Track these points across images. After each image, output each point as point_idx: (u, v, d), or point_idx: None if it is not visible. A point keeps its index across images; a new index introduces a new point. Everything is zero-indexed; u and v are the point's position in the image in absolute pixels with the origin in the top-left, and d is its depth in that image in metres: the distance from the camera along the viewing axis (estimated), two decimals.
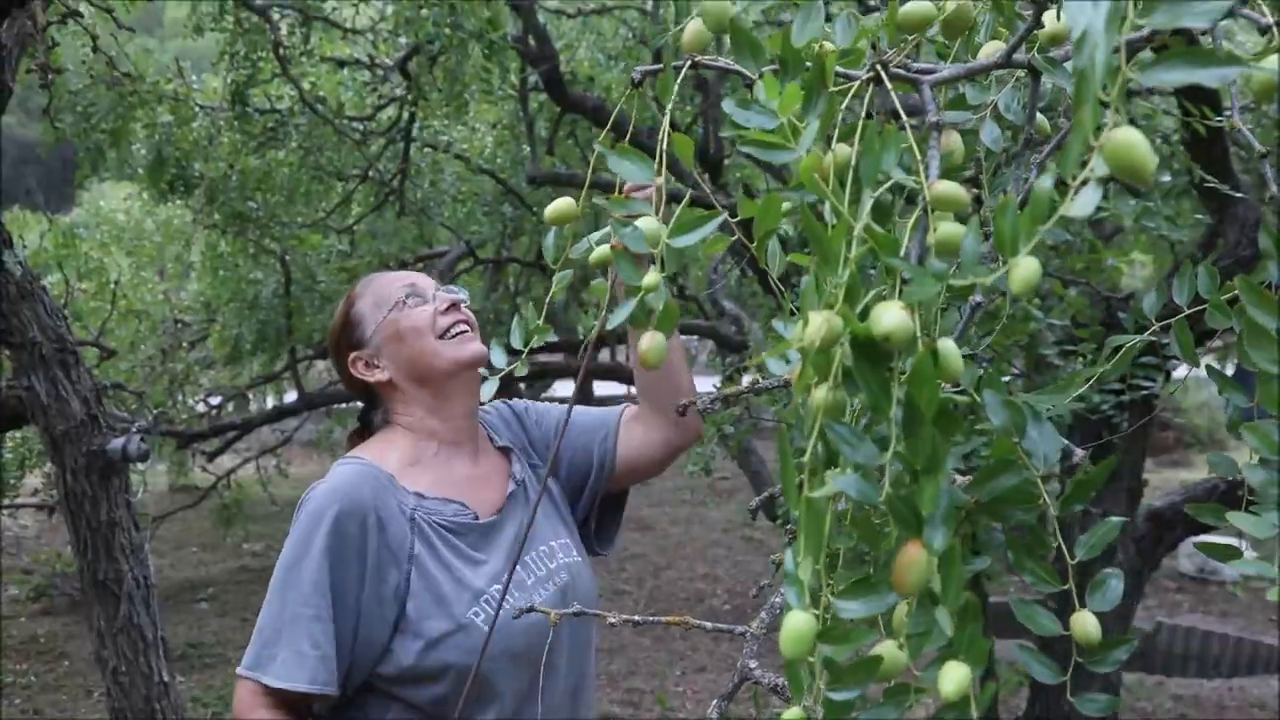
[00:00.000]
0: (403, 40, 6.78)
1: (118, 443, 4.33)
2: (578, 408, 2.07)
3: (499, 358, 1.24)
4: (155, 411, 5.92)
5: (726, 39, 1.03)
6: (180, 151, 6.69)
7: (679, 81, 0.99)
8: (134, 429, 4.41)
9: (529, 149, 8.17)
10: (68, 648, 8.00)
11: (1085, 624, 0.87)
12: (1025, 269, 0.64)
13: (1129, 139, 0.58)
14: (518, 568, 1.78)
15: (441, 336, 1.83)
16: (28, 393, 4.31)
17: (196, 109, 6.77)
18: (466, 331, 1.85)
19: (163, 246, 8.81)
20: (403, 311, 1.84)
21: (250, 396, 9.92)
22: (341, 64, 7.07)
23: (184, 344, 8.41)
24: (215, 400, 9.07)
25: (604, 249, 1.06)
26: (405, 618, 1.69)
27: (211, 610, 8.79)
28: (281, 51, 5.80)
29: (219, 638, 7.96)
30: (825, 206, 0.83)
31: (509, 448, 1.96)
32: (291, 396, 9.84)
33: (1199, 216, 3.83)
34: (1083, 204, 0.63)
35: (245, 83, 6.15)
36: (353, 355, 1.87)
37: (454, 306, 1.86)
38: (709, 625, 1.78)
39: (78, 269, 7.27)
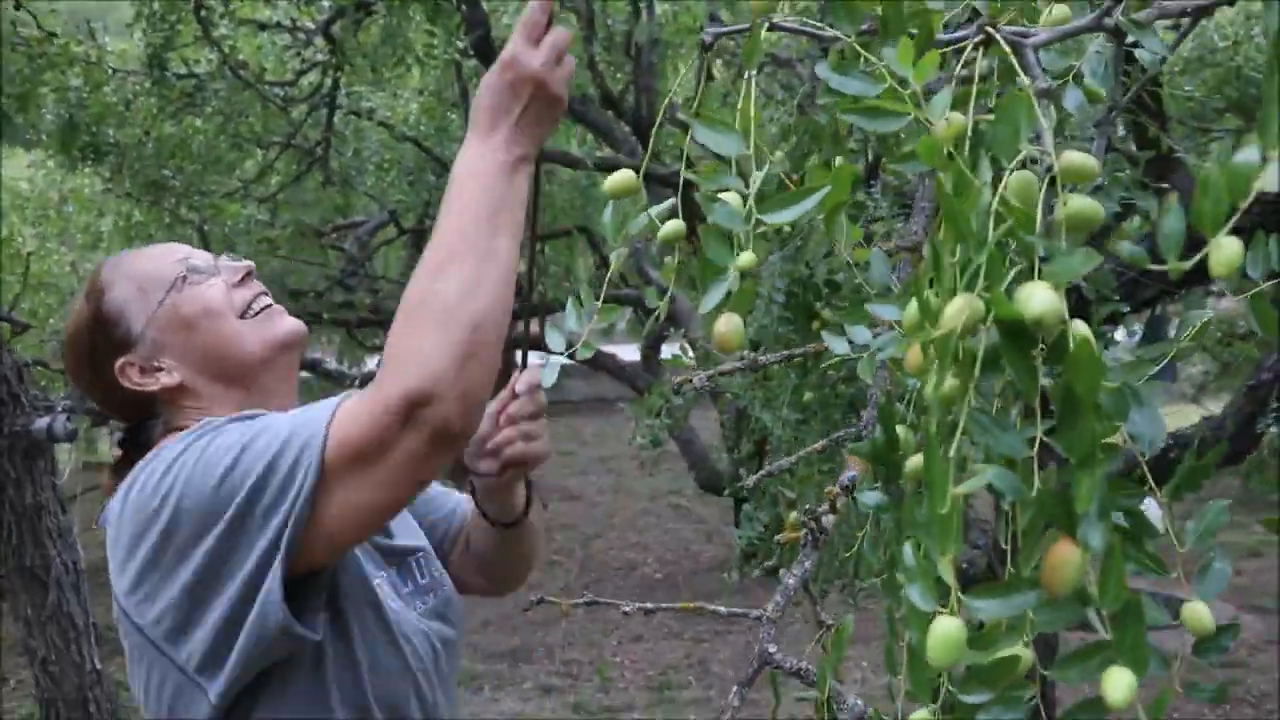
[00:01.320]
0: (326, 3, 6.63)
1: (42, 422, 4.18)
2: None
3: (557, 340, 1.19)
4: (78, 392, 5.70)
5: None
6: (92, 117, 6.45)
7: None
8: (59, 407, 4.26)
9: (455, 117, 8.07)
10: None
11: (1199, 613, 0.84)
12: (1228, 249, 0.60)
13: None
14: (410, 566, 1.56)
15: (244, 315, 1.44)
16: None
17: (110, 72, 6.52)
18: (271, 304, 1.48)
19: (73, 216, 8.51)
20: (184, 292, 1.43)
21: None
22: (262, 27, 6.87)
23: None
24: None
25: (677, 224, 1.01)
26: None
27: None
28: (203, 13, 5.60)
29: None
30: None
31: None
32: None
33: None
34: (1271, 178, 0.60)
35: (162, 46, 5.95)
36: (120, 362, 1.40)
37: (249, 275, 1.48)
38: (724, 610, 1.75)
39: None
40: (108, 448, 9.66)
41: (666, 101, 5.72)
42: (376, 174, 8.37)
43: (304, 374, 11.87)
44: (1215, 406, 6.27)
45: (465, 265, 1.18)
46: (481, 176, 1.22)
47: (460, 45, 5.38)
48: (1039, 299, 0.68)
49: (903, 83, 0.82)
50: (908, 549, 0.77)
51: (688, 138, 0.99)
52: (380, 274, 9.98)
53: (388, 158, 8.34)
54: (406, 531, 1.57)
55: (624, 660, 6.86)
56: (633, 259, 8.75)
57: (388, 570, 1.47)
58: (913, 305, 0.81)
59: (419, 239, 10.03)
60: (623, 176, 1.10)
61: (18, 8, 5.25)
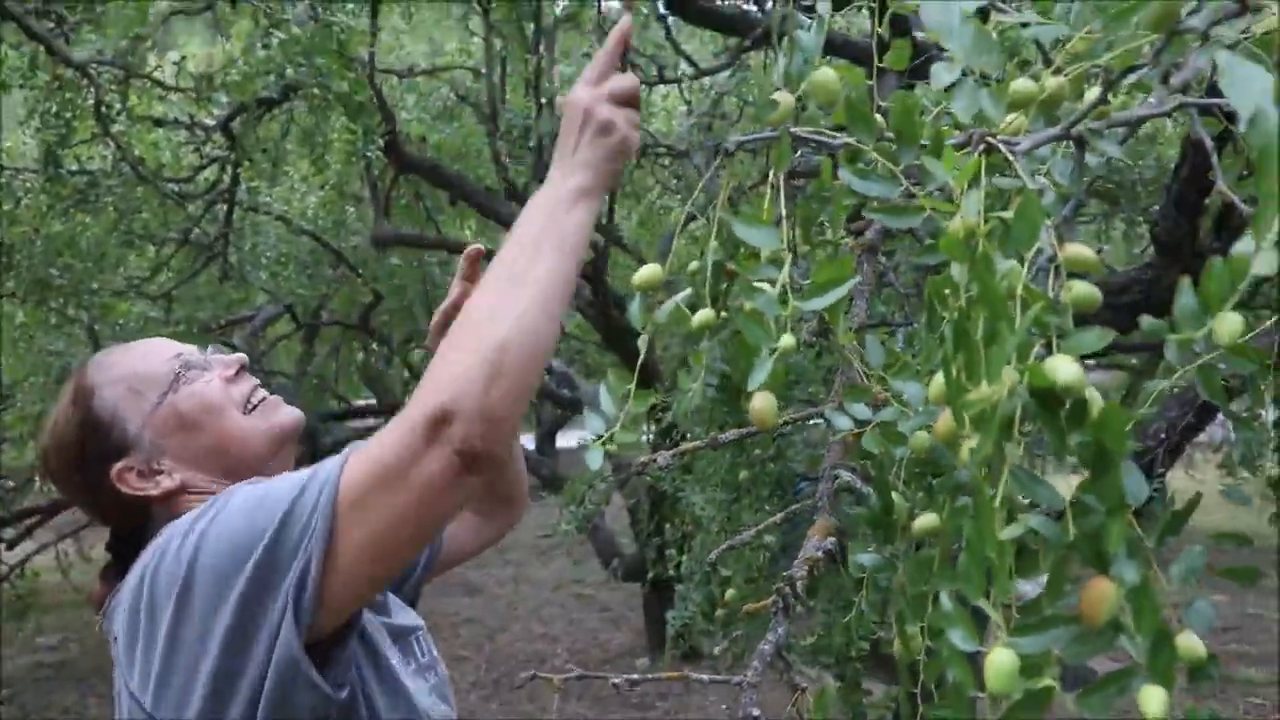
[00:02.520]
0: (225, 100, 6.67)
1: None
2: None
3: (597, 424, 1.24)
4: None
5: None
6: None
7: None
8: None
9: (353, 210, 8.15)
10: None
11: (1192, 644, 0.93)
12: (1231, 322, 0.73)
13: None
14: (411, 645, 1.54)
15: (246, 410, 1.43)
16: None
17: None
18: (268, 395, 1.47)
19: None
20: (180, 391, 1.40)
21: (39, 480, 9.40)
22: (159, 123, 6.87)
23: None
24: (7, 482, 8.55)
25: (708, 314, 1.11)
26: None
27: (7, 714, 8.24)
28: (103, 110, 5.61)
29: None
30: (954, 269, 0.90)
31: None
32: None
33: None
34: (1265, 263, 0.72)
35: (57, 143, 5.92)
36: (117, 468, 1.36)
37: (243, 369, 1.47)
38: (706, 678, 1.83)
39: None
40: None
41: None
42: (273, 268, 8.38)
43: None
44: None
45: (500, 289, 1.18)
46: (536, 206, 1.24)
47: (379, 142, 5.47)
48: (1065, 370, 0.79)
49: (919, 185, 0.94)
50: (944, 597, 0.86)
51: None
52: (276, 369, 9.88)
53: (284, 251, 8.36)
54: (401, 610, 1.56)
55: None
56: None
57: (395, 647, 1.45)
58: (939, 379, 0.91)
59: (313, 333, 10.04)
60: (650, 271, 1.19)
61: None
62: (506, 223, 7.08)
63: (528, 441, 10.87)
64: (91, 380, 1.41)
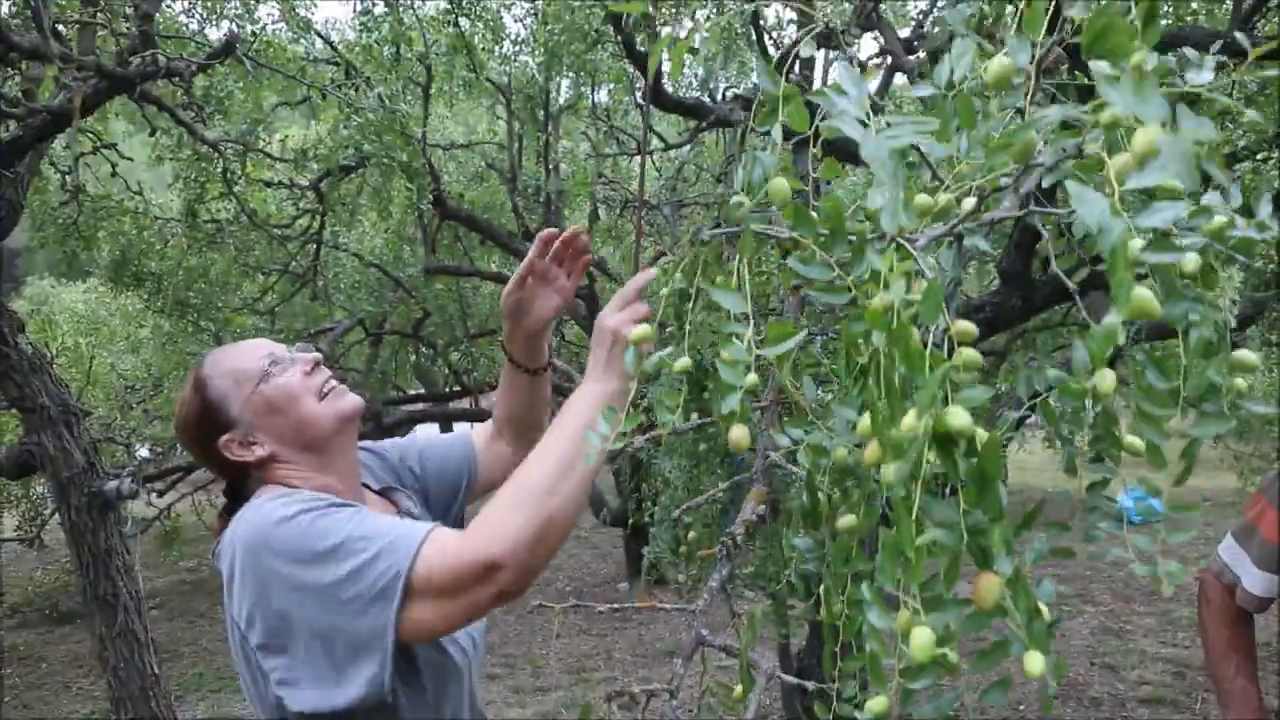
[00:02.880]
0: (314, 166, 6.61)
1: (112, 484, 4.05)
2: (432, 435, 1.78)
3: (594, 439, 1.24)
4: (138, 459, 5.50)
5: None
6: (138, 253, 6.30)
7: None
8: (125, 473, 4.12)
9: (409, 248, 8.10)
10: (44, 653, 7.30)
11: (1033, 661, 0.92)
12: (1108, 379, 0.73)
13: (1144, 294, 0.70)
14: None
15: (321, 397, 1.39)
16: (38, 447, 4.01)
17: (153, 220, 6.40)
18: (336, 385, 1.42)
19: (118, 330, 8.23)
20: (270, 382, 1.37)
21: (180, 446, 9.32)
22: (268, 184, 6.81)
23: (134, 404, 7.85)
24: (158, 450, 8.48)
25: (686, 361, 1.10)
26: None
27: (161, 615, 8.18)
28: (228, 175, 5.55)
29: (170, 636, 7.44)
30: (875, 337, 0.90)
31: (391, 487, 1.55)
32: None
33: None
34: (1120, 335, 0.73)
35: (195, 200, 5.87)
36: (224, 439, 1.35)
37: (318, 364, 1.42)
38: (669, 606, 1.83)
39: (53, 348, 6.71)
40: (140, 505, 9.24)
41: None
42: (349, 291, 8.34)
43: None
44: None
45: (556, 469, 1.15)
46: (578, 402, 1.21)
47: (429, 197, 5.44)
48: (959, 418, 0.80)
49: (846, 271, 0.94)
50: (864, 587, 0.86)
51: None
52: (350, 367, 9.84)
53: (357, 280, 8.33)
54: None
55: (549, 653, 6.80)
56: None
57: None
58: (866, 417, 0.91)
59: (378, 340, 9.98)
60: (643, 330, 1.16)
61: (113, 174, 5.12)
62: (521, 256, 7.08)
63: None
64: (206, 373, 1.39)
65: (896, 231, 0.89)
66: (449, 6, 5.64)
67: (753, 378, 0.96)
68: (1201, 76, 0.87)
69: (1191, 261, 0.78)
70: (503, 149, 7.58)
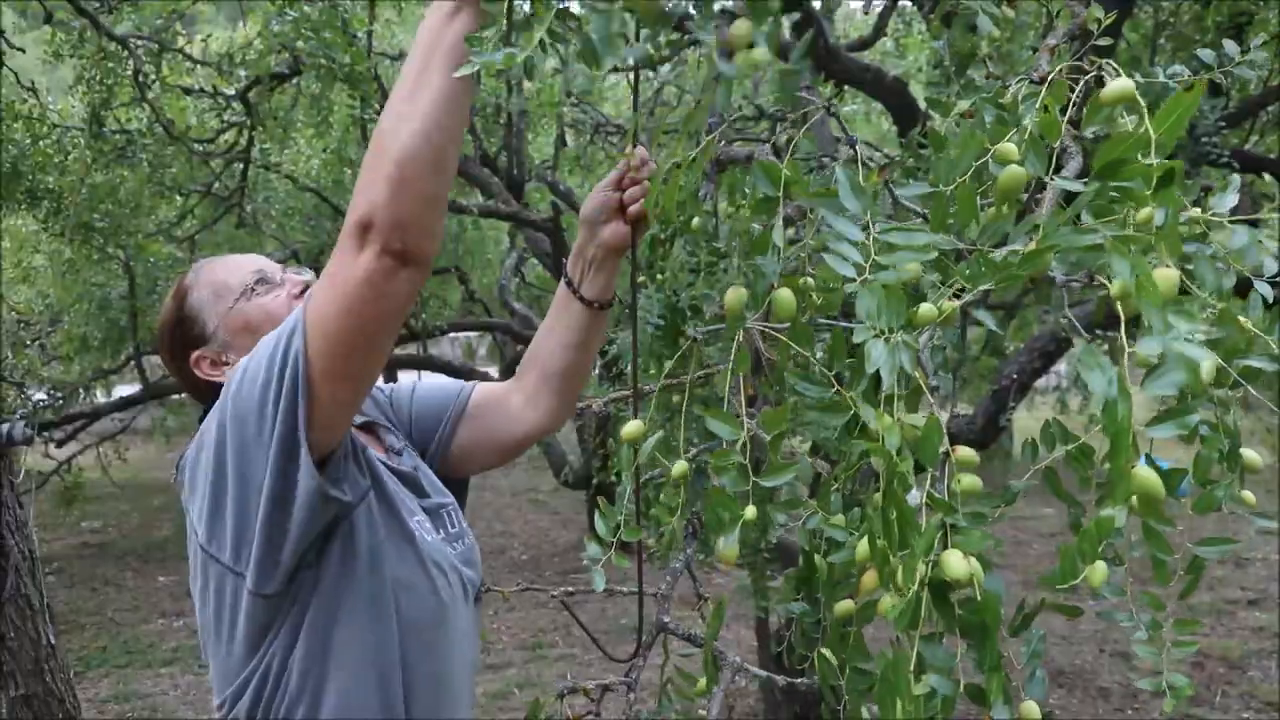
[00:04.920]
0: (243, 73, 6.45)
1: (3, 428, 3.94)
2: (437, 379, 1.76)
3: (594, 550, 1.24)
4: (33, 402, 5.39)
5: None
6: (33, 166, 6.11)
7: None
8: (17, 416, 4.02)
9: (349, 171, 7.95)
10: None
11: (1030, 711, 0.92)
12: (1100, 570, 0.75)
13: (1145, 477, 0.72)
14: (443, 517, 1.48)
15: None
16: None
17: (51, 128, 6.20)
18: None
19: (8, 255, 8.03)
20: (251, 300, 1.40)
21: (84, 390, 9.17)
22: (187, 91, 6.64)
23: (29, 341, 7.69)
24: (57, 394, 8.33)
25: (683, 465, 1.15)
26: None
27: (60, 582, 8.10)
28: (140, 78, 5.38)
29: (70, 606, 7.37)
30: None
31: (373, 421, 1.54)
32: (121, 389, 9.16)
33: None
34: (1120, 518, 0.71)
35: (101, 106, 5.69)
36: (195, 355, 1.40)
37: (308, 288, 1.39)
38: (625, 589, 1.80)
39: None
40: (36, 457, 9.11)
41: (534, 162, 5.79)
42: (281, 219, 8.21)
43: None
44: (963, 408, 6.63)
45: (398, 109, 1.09)
46: (422, 31, 1.13)
47: (375, 108, 5.32)
48: (957, 565, 0.79)
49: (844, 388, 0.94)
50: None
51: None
52: None
53: (291, 205, 8.19)
54: (437, 490, 1.50)
55: (501, 627, 6.82)
56: (498, 292, 8.75)
57: (424, 515, 1.42)
58: (864, 542, 0.91)
59: (316, 273, 9.81)
60: (635, 427, 1.22)
61: None
62: (480, 184, 6.98)
63: (492, 371, 10.77)
64: (190, 281, 1.45)
65: (892, 387, 0.85)
66: None
67: (751, 511, 1.01)
68: (1224, 202, 0.86)
69: (1208, 371, 0.75)
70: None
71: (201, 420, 1.35)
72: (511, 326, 8.48)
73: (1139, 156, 0.70)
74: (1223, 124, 4.01)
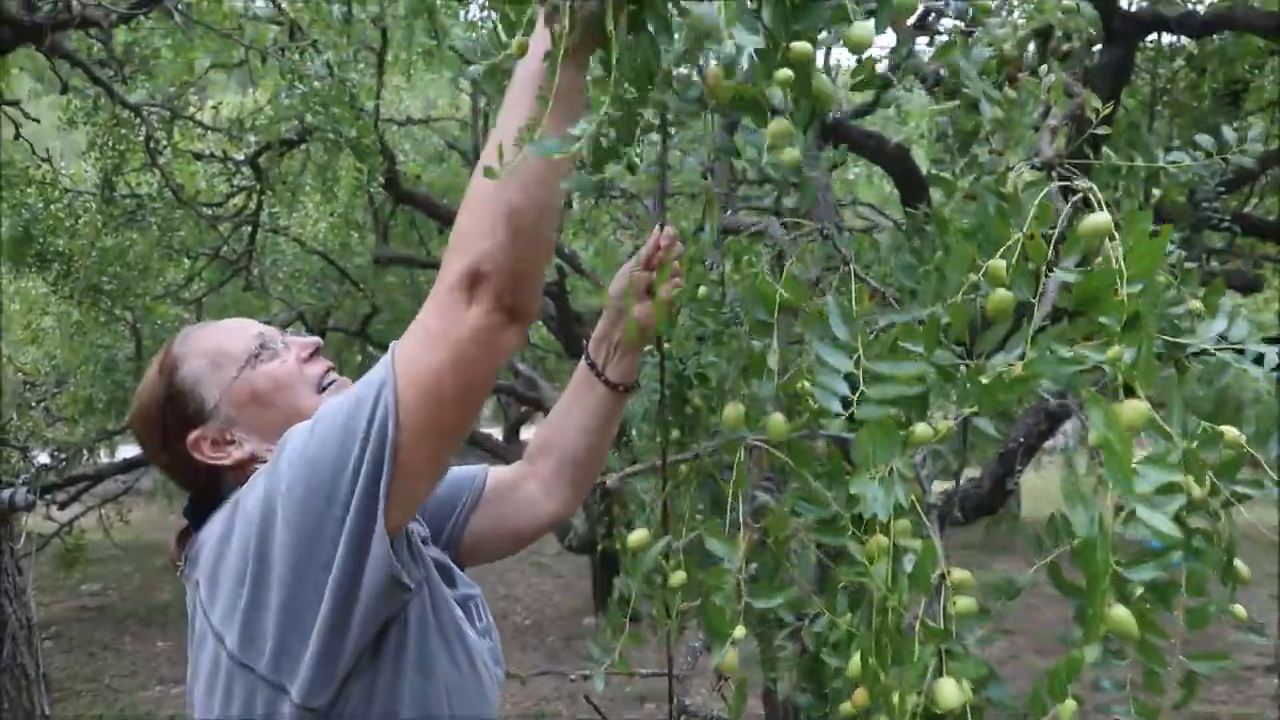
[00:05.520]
0: (253, 139, 6.56)
1: (6, 494, 3.94)
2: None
3: (599, 682, 1.28)
4: (36, 466, 5.39)
5: None
6: (45, 230, 6.20)
7: None
8: (20, 480, 4.03)
9: (356, 235, 8.06)
10: None
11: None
12: (1069, 707, 0.76)
13: (1121, 614, 0.73)
14: (470, 609, 1.34)
15: (320, 390, 1.28)
16: None
17: (63, 192, 6.31)
18: (338, 378, 1.31)
19: (17, 317, 8.12)
20: (256, 368, 1.26)
21: (87, 452, 9.18)
22: (198, 157, 6.74)
23: (34, 403, 7.72)
24: (60, 456, 8.34)
25: (680, 575, 1.20)
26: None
27: (57, 647, 8.02)
28: (151, 144, 5.48)
29: (67, 672, 7.30)
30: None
31: None
32: (125, 449, 9.18)
33: None
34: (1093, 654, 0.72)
35: (113, 171, 5.79)
36: (193, 435, 1.23)
37: (317, 351, 1.32)
38: (645, 672, 1.80)
39: None
40: (36, 519, 9.08)
41: None
42: (288, 281, 8.27)
43: None
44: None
45: (505, 152, 0.96)
46: (521, 69, 1.07)
47: (380, 179, 5.40)
48: (949, 693, 0.80)
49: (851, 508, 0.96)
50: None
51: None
52: None
53: (298, 268, 8.26)
54: (464, 581, 1.37)
55: (504, 696, 6.70)
56: None
57: (460, 612, 1.29)
58: (856, 659, 0.91)
59: (321, 337, 9.86)
60: (640, 536, 1.27)
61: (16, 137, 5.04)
62: None
63: (495, 433, 10.77)
64: (179, 352, 1.27)
65: (887, 519, 0.87)
66: None
67: (740, 630, 1.04)
68: (1213, 328, 0.87)
69: (1199, 492, 0.77)
70: (465, 126, 7.54)
71: (197, 507, 1.25)
72: (516, 388, 8.49)
73: (1113, 293, 0.71)
74: (1222, 189, 4.04)
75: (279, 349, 1.29)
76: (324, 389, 1.29)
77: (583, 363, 1.48)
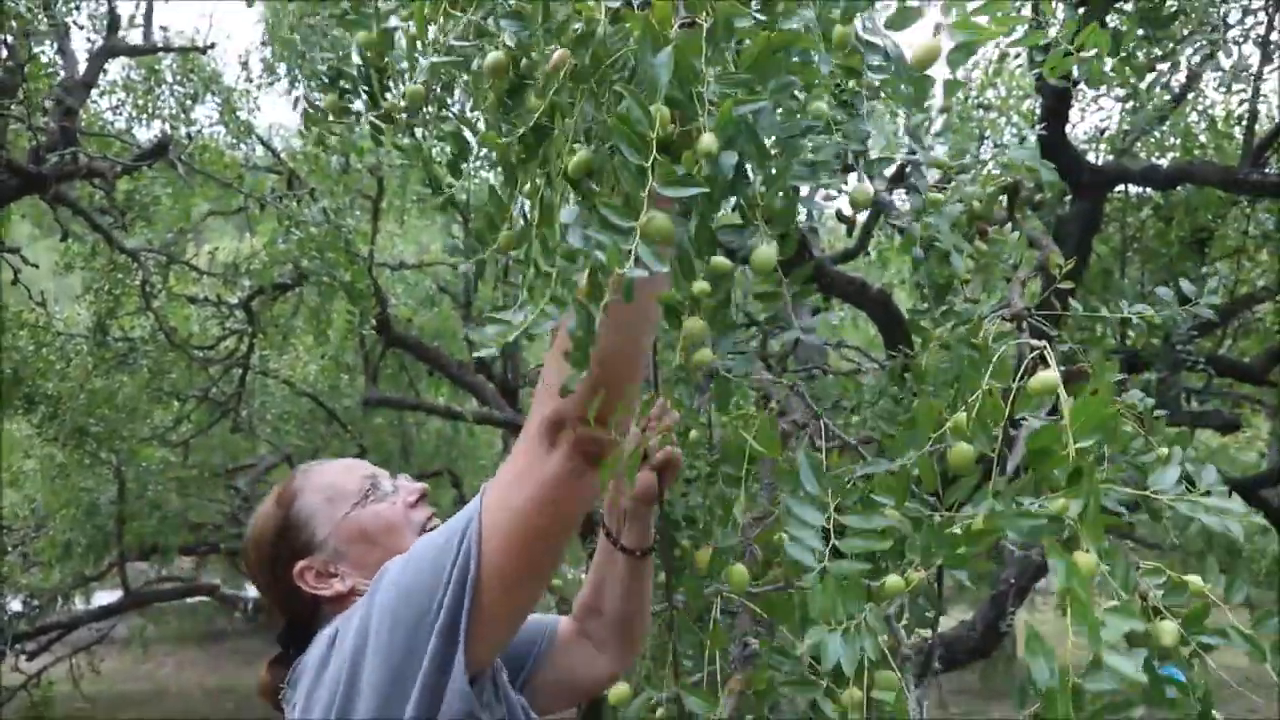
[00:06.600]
0: (246, 283, 6.69)
1: None
2: None
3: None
4: (9, 614, 5.28)
5: None
6: (35, 372, 6.26)
7: None
8: None
9: (347, 377, 8.13)
10: None
11: None
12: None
13: None
14: None
15: (421, 534, 1.33)
16: None
17: (55, 335, 6.39)
18: (440, 524, 1.32)
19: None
20: (367, 508, 1.33)
21: (62, 598, 8.99)
22: (192, 300, 6.86)
23: (10, 548, 7.61)
24: (33, 603, 8.17)
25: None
26: None
27: None
28: (147, 289, 5.59)
29: None
30: None
31: None
32: (101, 595, 9.00)
33: None
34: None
35: (107, 314, 5.89)
36: (300, 565, 1.30)
37: (423, 498, 1.39)
38: None
39: None
40: (19, 668, 8.81)
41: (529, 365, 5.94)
42: (275, 423, 8.30)
43: (202, 599, 11.19)
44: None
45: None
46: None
47: (372, 322, 5.51)
48: None
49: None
50: None
51: None
52: None
53: (286, 410, 8.30)
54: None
55: None
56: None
57: None
58: None
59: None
60: (621, 691, 1.32)
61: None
62: (475, 391, 7.12)
63: None
64: (297, 486, 1.36)
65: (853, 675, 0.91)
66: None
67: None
68: (1165, 479, 0.92)
69: (1169, 634, 0.80)
70: (456, 271, 7.71)
71: (292, 633, 1.32)
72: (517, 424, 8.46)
73: (1060, 448, 0.75)
74: (1195, 332, 4.16)
75: (389, 491, 1.36)
76: (423, 533, 1.32)
77: (600, 534, 1.52)
